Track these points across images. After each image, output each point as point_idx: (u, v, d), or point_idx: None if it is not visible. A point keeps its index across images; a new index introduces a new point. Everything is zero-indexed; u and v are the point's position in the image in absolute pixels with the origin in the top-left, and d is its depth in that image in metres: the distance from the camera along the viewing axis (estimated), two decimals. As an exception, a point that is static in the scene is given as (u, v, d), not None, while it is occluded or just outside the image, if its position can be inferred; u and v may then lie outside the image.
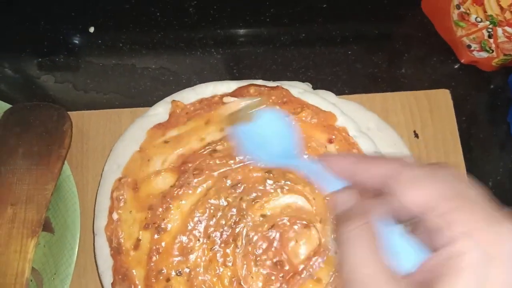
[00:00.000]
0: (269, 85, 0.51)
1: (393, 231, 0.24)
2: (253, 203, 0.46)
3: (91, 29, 0.62)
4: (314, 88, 0.55)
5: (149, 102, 0.54)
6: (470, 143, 0.57)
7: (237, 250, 0.45)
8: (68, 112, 0.54)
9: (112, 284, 0.44)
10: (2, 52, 0.62)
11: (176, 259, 0.44)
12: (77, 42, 0.63)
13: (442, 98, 0.58)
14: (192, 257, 0.44)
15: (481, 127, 0.59)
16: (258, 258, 0.45)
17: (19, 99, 0.59)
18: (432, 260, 0.22)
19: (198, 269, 0.44)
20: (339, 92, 0.56)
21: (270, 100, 0.49)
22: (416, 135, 0.56)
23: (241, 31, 0.62)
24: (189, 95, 0.51)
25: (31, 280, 0.50)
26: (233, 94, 0.49)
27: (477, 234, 0.21)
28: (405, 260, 0.23)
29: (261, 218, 0.46)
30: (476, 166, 0.57)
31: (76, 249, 0.49)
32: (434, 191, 0.22)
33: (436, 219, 0.22)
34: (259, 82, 0.51)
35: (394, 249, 0.23)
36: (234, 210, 0.46)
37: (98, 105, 0.57)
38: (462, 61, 0.59)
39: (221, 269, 0.44)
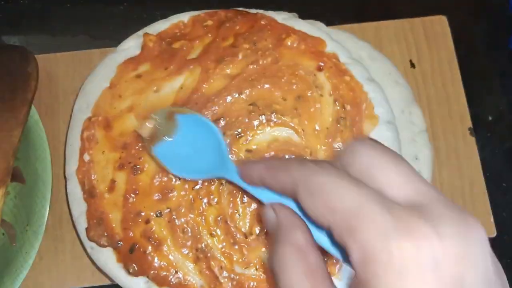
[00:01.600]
0: (250, 12, 0.46)
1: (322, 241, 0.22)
2: (237, 137, 0.42)
3: (56, -32, 0.57)
4: (301, 18, 0.51)
5: (121, 42, 0.49)
6: (470, 73, 0.53)
7: (221, 187, 0.41)
8: (34, 55, 0.49)
9: (87, 229, 0.41)
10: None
11: (155, 198, 0.40)
12: (41, -17, 0.57)
13: (439, 25, 0.54)
14: (172, 196, 0.41)
15: (480, 55, 0.55)
16: (245, 195, 0.41)
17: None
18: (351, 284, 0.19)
19: (180, 209, 0.40)
20: (328, 23, 0.51)
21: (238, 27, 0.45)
22: (413, 65, 0.52)
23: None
24: (163, 27, 0.47)
25: (3, 234, 0.46)
26: (208, 15, 0.45)
27: (375, 244, 0.18)
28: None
29: (246, 154, 0.42)
30: (476, 97, 0.53)
31: (49, 197, 0.45)
32: (330, 204, 0.19)
33: (335, 235, 0.19)
34: (240, 9, 0.47)
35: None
36: (217, 146, 0.42)
37: (66, 48, 0.53)
38: (459, -16, 0.55)
39: (205, 208, 0.41)
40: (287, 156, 0.42)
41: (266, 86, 0.43)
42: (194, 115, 0.36)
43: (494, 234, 0.47)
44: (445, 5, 0.56)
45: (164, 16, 0.53)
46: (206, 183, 0.41)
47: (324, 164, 0.21)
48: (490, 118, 0.52)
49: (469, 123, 0.51)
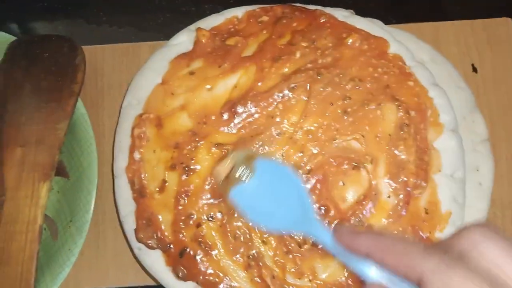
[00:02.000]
0: (309, 8, 0.44)
1: None
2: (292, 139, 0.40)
3: (103, -43, 0.55)
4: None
5: (169, 36, 0.47)
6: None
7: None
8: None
9: (136, 230, 0.39)
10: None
11: (207, 202, 0.39)
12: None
13: (503, 28, 0.51)
14: (224, 200, 0.39)
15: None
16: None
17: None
18: None
19: (232, 213, 0.39)
20: (384, 22, 0.49)
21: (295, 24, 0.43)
22: (475, 69, 0.49)
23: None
24: (217, 22, 0.45)
25: (45, 229, 0.45)
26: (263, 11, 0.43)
27: None
28: None
29: (298, 156, 0.40)
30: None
31: (94, 194, 0.44)
32: None
33: None
34: (297, 5, 0.45)
35: None
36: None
37: (112, 40, 0.51)
38: (526, -15, 0.52)
39: (258, 214, 0.39)
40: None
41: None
42: (275, 163, 0.34)
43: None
44: (508, 6, 0.53)
45: (214, 10, 0.51)
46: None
47: (452, 262, 0.21)
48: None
49: (531, 134, 0.48)
